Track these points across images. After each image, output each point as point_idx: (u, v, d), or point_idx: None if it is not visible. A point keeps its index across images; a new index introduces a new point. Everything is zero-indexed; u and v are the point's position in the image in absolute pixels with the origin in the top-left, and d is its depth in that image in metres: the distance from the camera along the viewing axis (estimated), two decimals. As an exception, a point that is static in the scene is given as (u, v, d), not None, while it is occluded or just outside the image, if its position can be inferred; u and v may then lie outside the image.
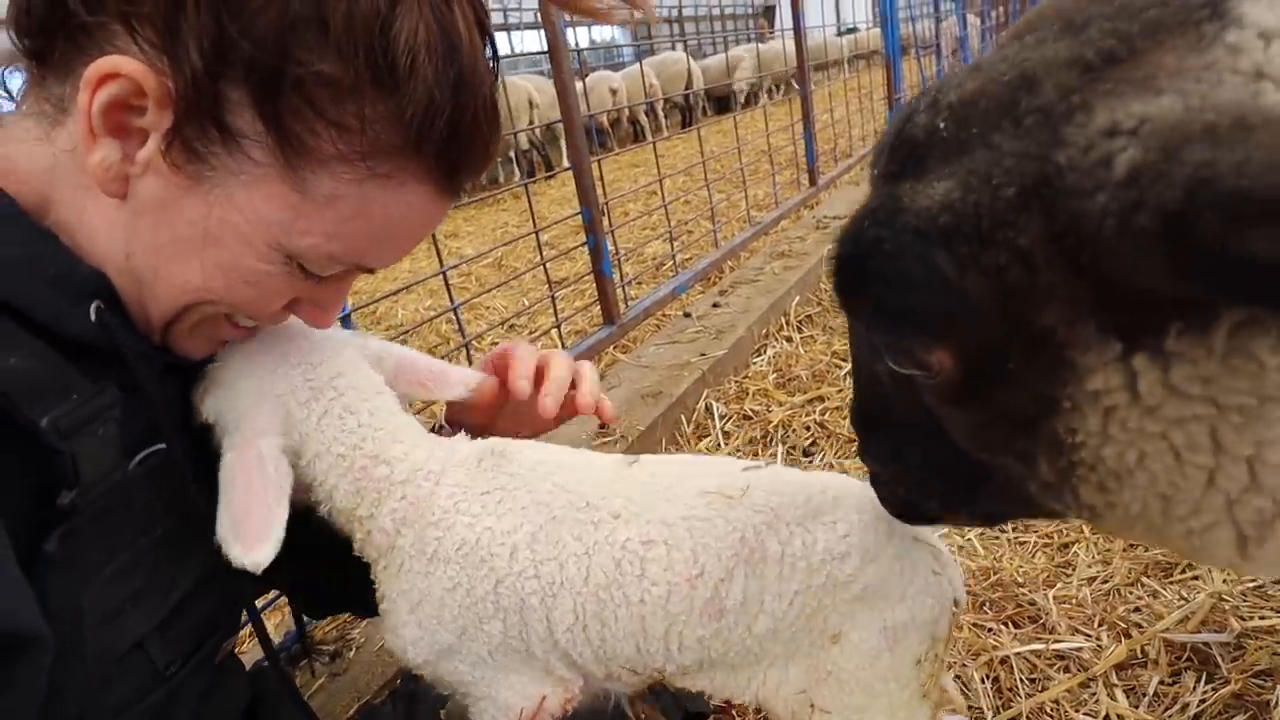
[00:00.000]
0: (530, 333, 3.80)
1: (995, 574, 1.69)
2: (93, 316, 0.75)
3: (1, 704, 0.58)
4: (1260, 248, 0.39)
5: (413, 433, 0.95)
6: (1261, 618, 1.43)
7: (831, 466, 2.28)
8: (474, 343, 3.84)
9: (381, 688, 1.54)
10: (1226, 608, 1.45)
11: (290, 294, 0.83)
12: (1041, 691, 1.39)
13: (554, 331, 2.81)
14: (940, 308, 0.57)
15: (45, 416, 0.69)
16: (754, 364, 3.01)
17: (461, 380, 1.06)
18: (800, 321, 3.33)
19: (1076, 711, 1.34)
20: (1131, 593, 1.58)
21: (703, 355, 2.86)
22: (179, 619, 0.87)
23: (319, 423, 0.88)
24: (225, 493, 0.83)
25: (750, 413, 2.64)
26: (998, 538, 1.85)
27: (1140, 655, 1.42)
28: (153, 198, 0.74)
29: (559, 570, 0.88)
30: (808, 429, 2.52)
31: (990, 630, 1.55)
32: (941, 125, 0.58)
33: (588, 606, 0.88)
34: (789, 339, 3.19)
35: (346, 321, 1.76)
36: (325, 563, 1.03)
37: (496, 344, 3.86)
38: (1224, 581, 1.53)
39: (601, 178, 2.76)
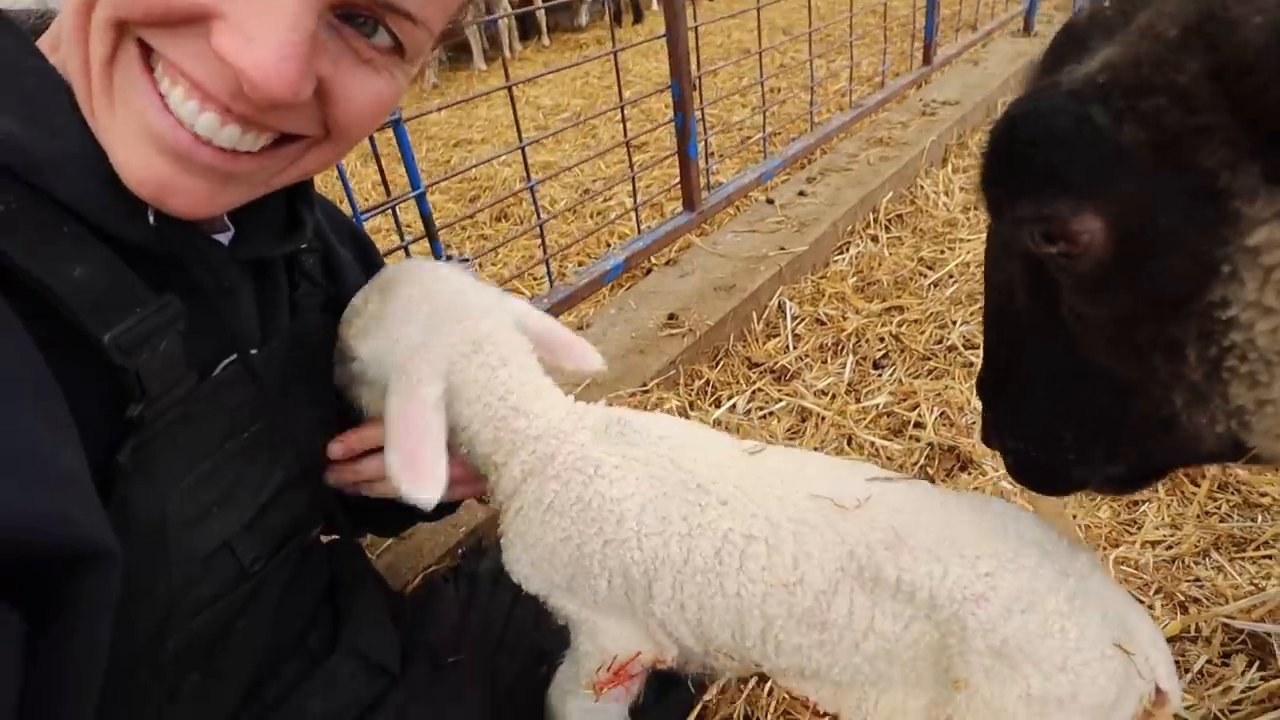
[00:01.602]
0: (605, 199, 3.71)
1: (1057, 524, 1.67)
2: (152, 220, 0.73)
3: (72, 614, 0.60)
4: None
5: (552, 393, 1.00)
6: (1332, 612, 1.38)
7: (901, 382, 2.23)
8: (547, 206, 3.79)
9: (443, 555, 1.64)
10: (1297, 599, 1.41)
11: None
12: (1082, 651, 1.40)
13: (632, 213, 2.72)
14: (1095, 165, 0.56)
15: (108, 333, 0.69)
16: (834, 263, 2.89)
17: (586, 355, 1.09)
18: (890, 220, 3.15)
19: (1115, 677, 1.34)
20: (1198, 565, 1.54)
21: (782, 249, 2.75)
22: (264, 519, 0.91)
23: (475, 373, 0.93)
24: (393, 433, 0.88)
25: (824, 317, 2.56)
26: (1064, 483, 1.81)
27: (1193, 631, 1.40)
28: None
29: (662, 546, 0.89)
30: (881, 340, 2.44)
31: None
32: (1108, 9, 0.59)
33: (686, 587, 0.89)
34: (875, 239, 3.04)
35: (413, 170, 1.70)
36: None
37: (571, 208, 3.78)
38: (1300, 567, 1.47)
39: (697, 46, 2.56)
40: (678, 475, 0.92)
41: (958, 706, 0.77)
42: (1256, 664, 1.33)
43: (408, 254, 1.84)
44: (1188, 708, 1.28)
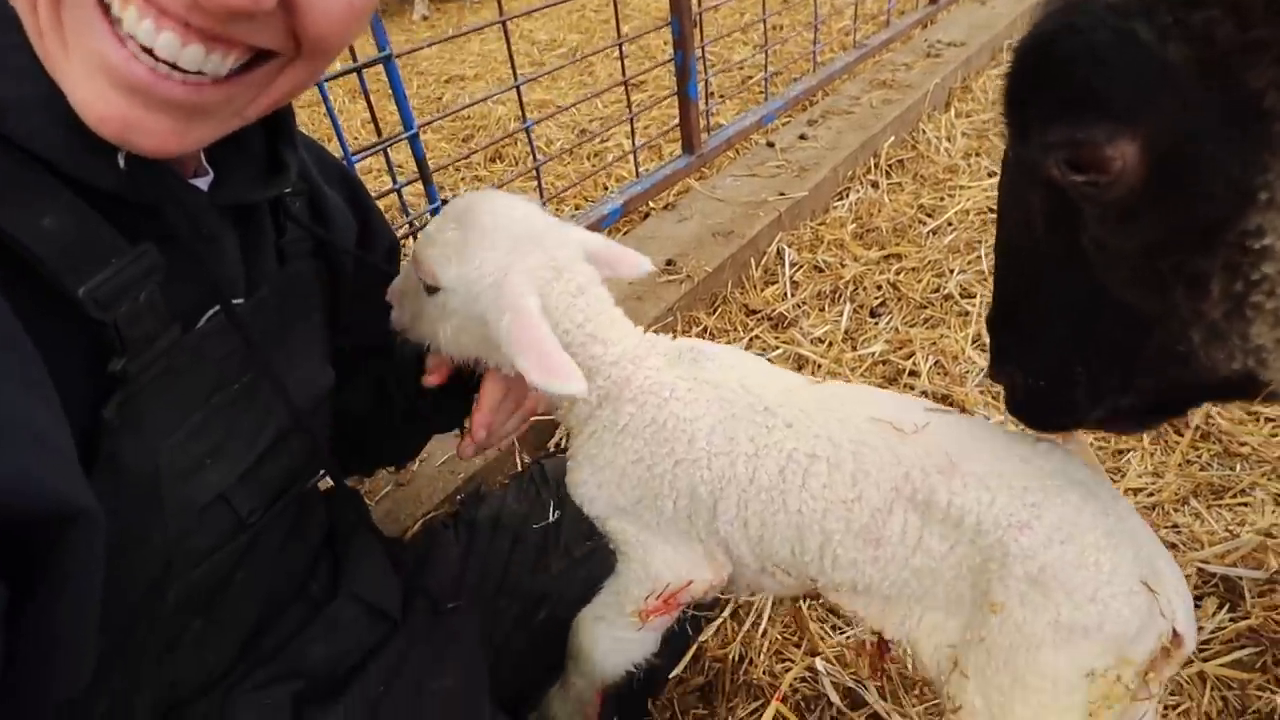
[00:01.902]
0: (602, 140, 3.64)
1: (1042, 472, 1.70)
2: (122, 164, 0.69)
3: (57, 576, 0.59)
4: None
5: (624, 322, 1.02)
6: (1304, 558, 1.43)
7: (897, 331, 2.24)
8: (542, 147, 3.72)
9: (442, 501, 1.67)
10: (1269, 544, 1.45)
11: None
12: (1062, 593, 1.45)
13: (629, 155, 2.68)
14: (1136, 85, 0.53)
15: (83, 286, 0.67)
16: (834, 209, 2.87)
17: (639, 262, 1.10)
18: (891, 166, 3.12)
19: (1092, 618, 1.40)
20: (1177, 512, 1.58)
21: (781, 195, 2.73)
22: (260, 471, 0.90)
23: (556, 299, 0.95)
24: (519, 347, 0.89)
25: (823, 264, 2.56)
26: (1052, 432, 1.84)
27: (1169, 575, 1.45)
28: None
29: (729, 465, 0.92)
30: (879, 288, 2.45)
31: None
32: None
33: (751, 505, 0.92)
34: (875, 184, 3.01)
35: (406, 110, 1.68)
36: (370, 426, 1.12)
37: (568, 149, 3.69)
38: (1277, 515, 1.52)
39: (699, -18, 2.49)
40: (746, 399, 0.95)
41: (990, 629, 0.81)
42: (1227, 606, 1.39)
43: (400, 197, 1.82)
44: (1159, 647, 1.34)
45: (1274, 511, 1.53)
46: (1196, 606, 1.40)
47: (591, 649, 1.11)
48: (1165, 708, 1.27)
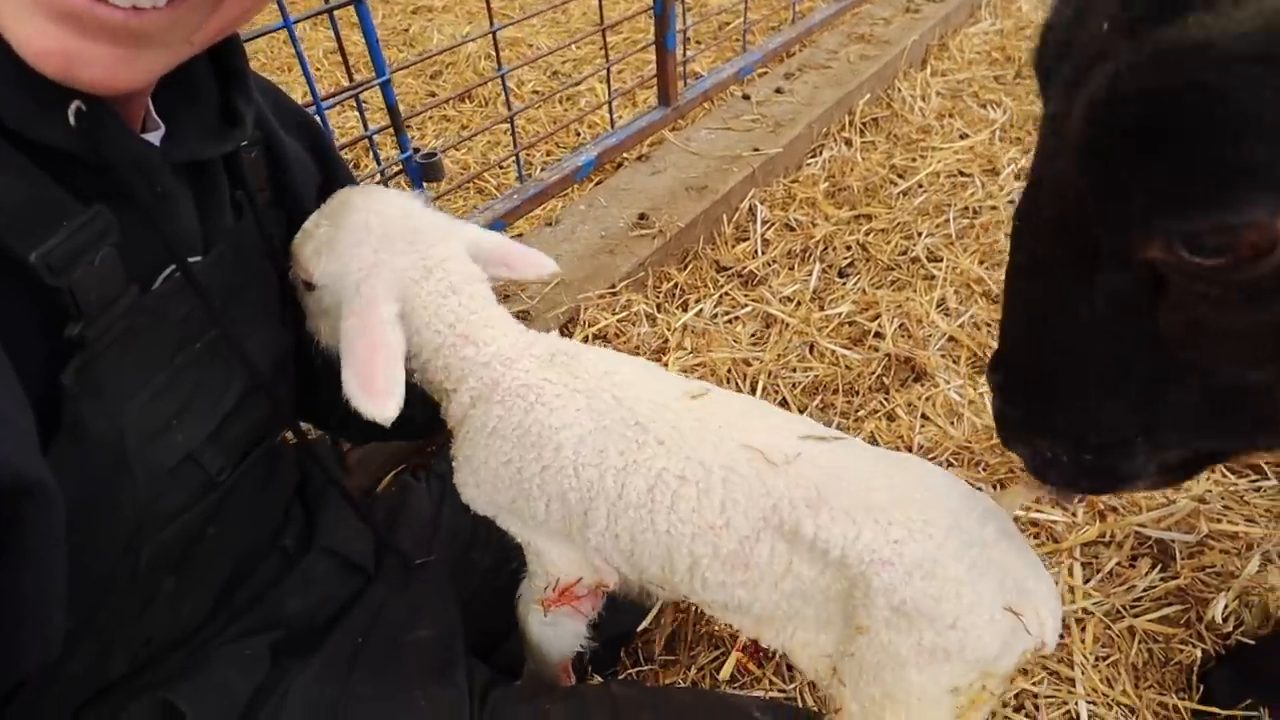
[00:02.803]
0: (575, 84, 3.56)
1: (997, 437, 1.77)
2: (71, 121, 0.66)
3: (16, 548, 0.59)
4: None
5: (502, 322, 1.01)
6: (1230, 523, 1.53)
7: (864, 292, 2.28)
8: (514, 89, 3.62)
9: (413, 453, 1.68)
10: (1201, 510, 1.55)
11: None
12: (1008, 552, 1.53)
13: (603, 104, 2.63)
14: None
15: (34, 251, 0.65)
16: (807, 166, 2.87)
17: (541, 263, 1.09)
18: (865, 124, 3.11)
19: (1035, 577, 1.48)
20: (1119, 477, 1.67)
21: (756, 150, 2.72)
22: (227, 429, 0.90)
23: (426, 299, 0.94)
24: (349, 352, 0.89)
25: (794, 222, 2.57)
26: (1008, 397, 1.91)
27: (1108, 537, 1.54)
28: None
29: (598, 478, 0.92)
30: (848, 248, 2.48)
31: (979, 489, 1.66)
32: None
33: (620, 520, 0.92)
34: (849, 142, 3.01)
35: (378, 55, 1.62)
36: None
37: (538, 92, 3.61)
38: (1210, 482, 1.61)
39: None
40: (618, 412, 0.94)
41: (859, 646, 0.85)
42: (1159, 566, 1.48)
43: (372, 144, 1.78)
44: (1095, 603, 1.43)
45: (1208, 479, 1.62)
46: (1132, 566, 1.50)
47: (530, 634, 1.14)
48: (1096, 659, 1.37)
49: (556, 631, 1.12)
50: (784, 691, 1.37)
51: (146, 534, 0.82)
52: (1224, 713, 1.25)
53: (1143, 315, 0.58)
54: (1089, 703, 1.30)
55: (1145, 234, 0.54)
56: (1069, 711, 1.30)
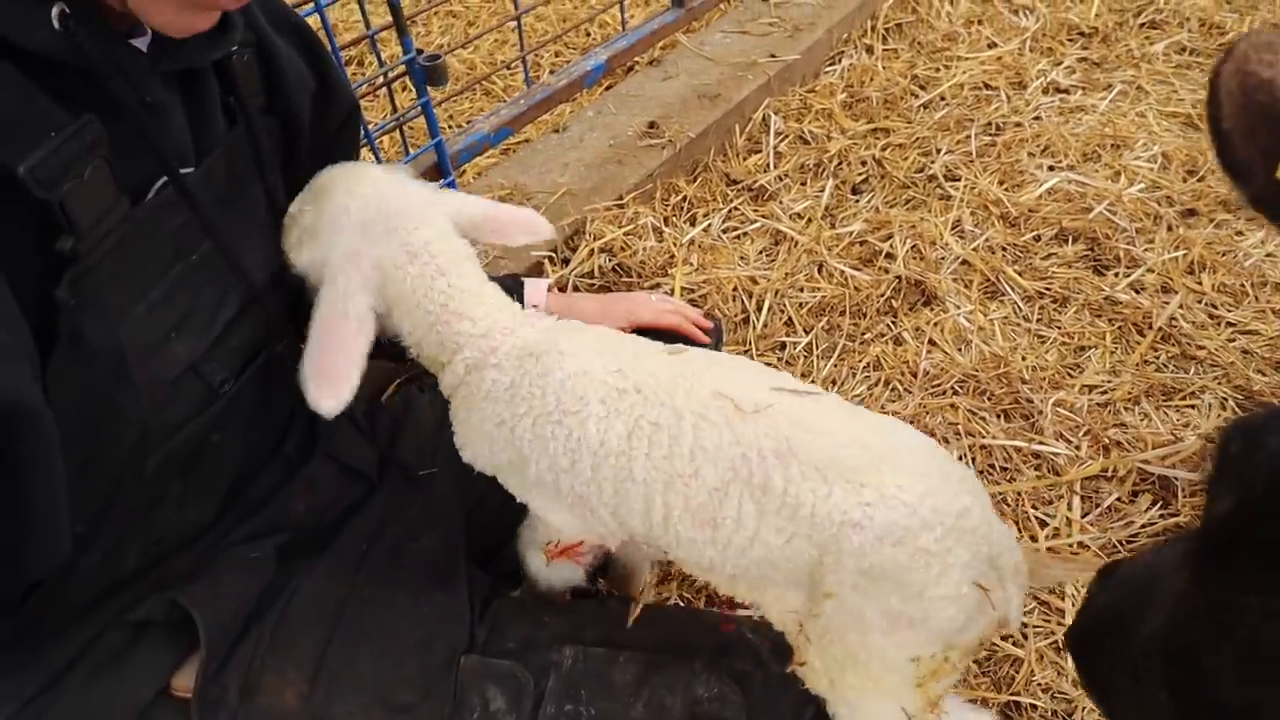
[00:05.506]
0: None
1: (1005, 365, 1.75)
2: (55, 24, 0.64)
3: (14, 466, 0.62)
4: None
5: (495, 297, 1.02)
6: (1236, 461, 1.52)
7: (877, 211, 2.21)
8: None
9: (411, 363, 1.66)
10: (1209, 449, 1.53)
11: None
12: (1009, 483, 1.53)
13: (616, 6, 2.47)
14: None
15: (22, 164, 0.64)
16: (825, 74, 2.73)
17: (535, 225, 1.09)
18: (888, 30, 2.94)
19: (1034, 508, 1.49)
20: (1127, 411, 1.65)
21: (772, 57, 2.57)
22: (229, 339, 0.91)
23: (412, 284, 0.95)
24: (312, 340, 0.91)
25: (809, 135, 2.46)
26: (1020, 325, 1.88)
27: (1110, 473, 1.54)
28: None
29: (580, 425, 0.91)
30: (863, 164, 2.38)
31: (983, 418, 1.65)
32: None
33: (602, 469, 0.91)
34: (870, 49, 2.85)
35: None
36: None
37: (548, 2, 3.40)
38: (1221, 419, 1.59)
39: None
40: (600, 361, 0.94)
41: (825, 608, 0.85)
42: (1160, 503, 1.48)
43: (374, 44, 1.68)
44: (1091, 538, 1.44)
45: (1219, 415, 1.60)
46: (1132, 502, 1.50)
47: (529, 569, 1.16)
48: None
49: (555, 573, 1.15)
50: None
51: (153, 443, 0.85)
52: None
53: None
54: (1077, 632, 1.32)
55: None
56: (1056, 642, 1.32)
